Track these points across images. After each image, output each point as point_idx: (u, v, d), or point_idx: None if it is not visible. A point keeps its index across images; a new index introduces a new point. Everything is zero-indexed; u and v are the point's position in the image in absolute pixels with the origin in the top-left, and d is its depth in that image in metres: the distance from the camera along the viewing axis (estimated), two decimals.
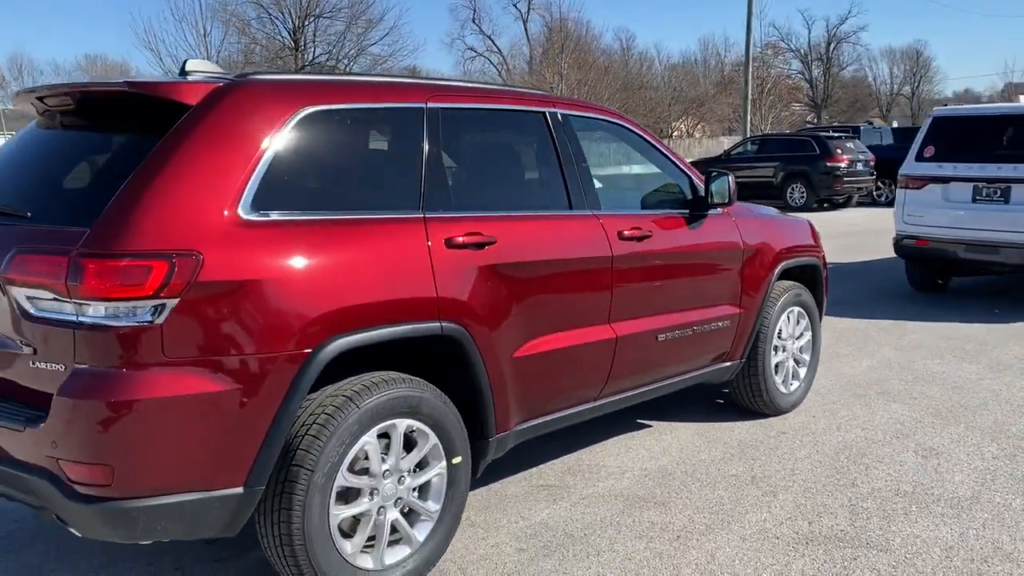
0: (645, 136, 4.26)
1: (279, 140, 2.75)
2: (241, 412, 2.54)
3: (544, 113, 3.72)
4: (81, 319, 2.40)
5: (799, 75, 65.53)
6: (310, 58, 39.92)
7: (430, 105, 3.24)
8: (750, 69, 27.97)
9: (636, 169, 3.73)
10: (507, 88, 4.03)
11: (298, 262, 2.67)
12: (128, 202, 2.46)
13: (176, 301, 2.42)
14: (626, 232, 3.79)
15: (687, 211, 4.22)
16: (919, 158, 8.39)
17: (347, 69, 42.90)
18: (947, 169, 8.13)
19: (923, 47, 74.05)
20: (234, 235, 2.57)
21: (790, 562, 3.24)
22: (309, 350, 2.64)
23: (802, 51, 66.70)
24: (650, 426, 4.80)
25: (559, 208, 3.64)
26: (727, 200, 4.21)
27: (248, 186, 2.64)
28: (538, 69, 49.50)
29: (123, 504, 2.43)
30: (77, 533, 2.56)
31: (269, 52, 33.59)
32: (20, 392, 2.60)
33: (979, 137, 8.20)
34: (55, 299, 2.43)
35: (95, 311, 2.39)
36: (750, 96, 28.43)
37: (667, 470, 4.16)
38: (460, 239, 3.11)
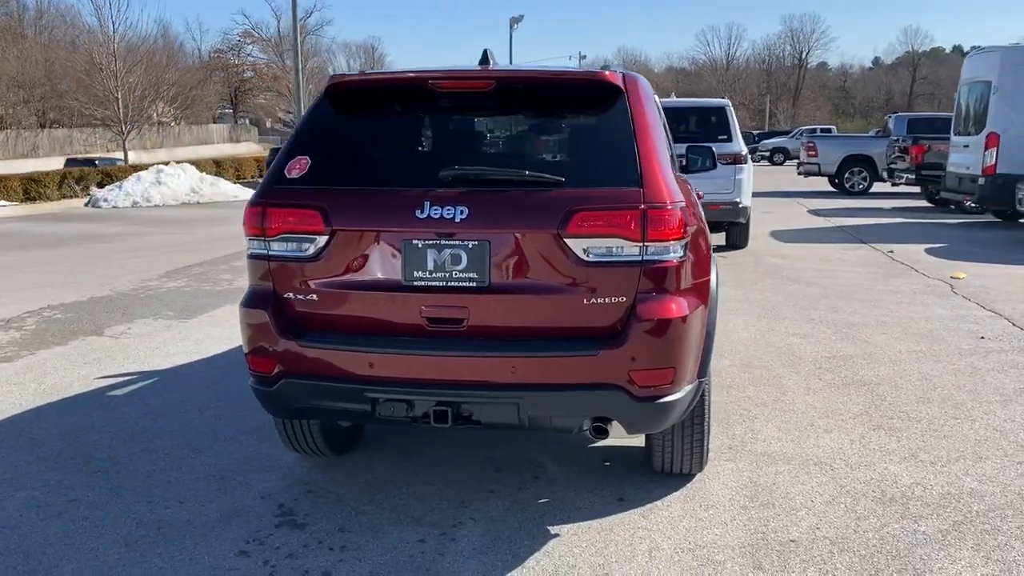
0: None
1: None
2: (705, 322, 3.40)
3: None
4: (645, 258, 3.06)
5: (275, 64, 67.45)
6: None
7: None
8: (299, 55, 28.90)
9: None
10: None
11: None
12: (647, 164, 3.15)
13: (688, 240, 3.22)
14: None
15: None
16: None
17: None
18: None
19: (377, 43, 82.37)
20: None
21: (850, 396, 4.99)
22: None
23: (273, 40, 68.77)
24: None
25: None
26: (708, 167, 5.73)
27: None
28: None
29: (670, 398, 3.16)
30: (619, 431, 3.19)
31: None
32: (552, 331, 3.10)
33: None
34: (619, 245, 3.04)
35: (655, 250, 3.07)
36: (301, 82, 29.42)
37: None
38: None
